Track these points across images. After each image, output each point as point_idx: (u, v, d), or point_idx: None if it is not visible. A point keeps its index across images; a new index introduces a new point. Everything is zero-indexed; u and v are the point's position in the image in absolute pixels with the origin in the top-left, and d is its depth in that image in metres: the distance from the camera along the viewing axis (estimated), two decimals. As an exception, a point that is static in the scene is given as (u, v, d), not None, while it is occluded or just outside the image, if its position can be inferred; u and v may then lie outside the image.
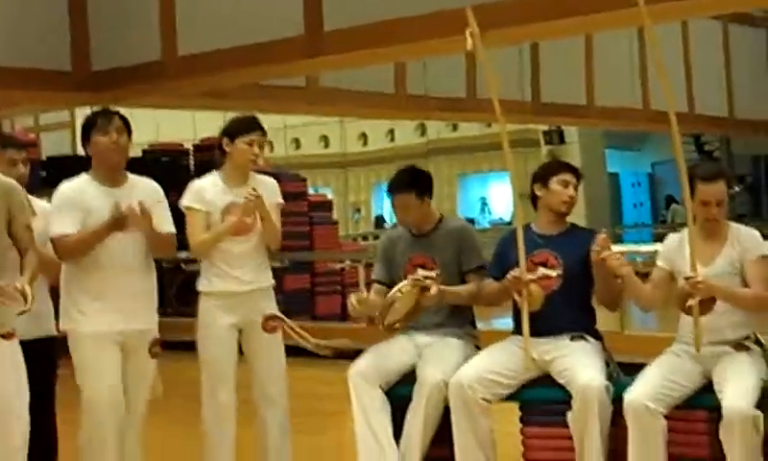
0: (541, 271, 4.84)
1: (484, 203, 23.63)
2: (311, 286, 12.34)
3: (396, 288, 4.95)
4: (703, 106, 15.00)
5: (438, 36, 6.95)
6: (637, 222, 23.40)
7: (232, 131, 5.21)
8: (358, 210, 24.05)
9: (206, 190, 5.20)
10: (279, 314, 5.27)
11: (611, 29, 8.62)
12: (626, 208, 24.17)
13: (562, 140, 19.28)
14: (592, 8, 5.66)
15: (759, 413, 4.15)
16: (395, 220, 5.48)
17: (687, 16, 11.94)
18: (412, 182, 5.20)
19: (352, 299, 5.02)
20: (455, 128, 21.47)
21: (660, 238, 17.43)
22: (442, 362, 4.91)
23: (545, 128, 19.04)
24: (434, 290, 4.91)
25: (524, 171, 21.22)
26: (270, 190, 5.27)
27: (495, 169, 21.89)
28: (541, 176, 5.01)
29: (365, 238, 19.59)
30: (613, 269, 4.60)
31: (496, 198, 23.49)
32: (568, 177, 4.97)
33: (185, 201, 5.20)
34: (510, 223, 21.03)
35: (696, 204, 4.50)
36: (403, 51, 8.28)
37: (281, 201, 5.35)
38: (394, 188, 5.23)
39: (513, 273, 4.71)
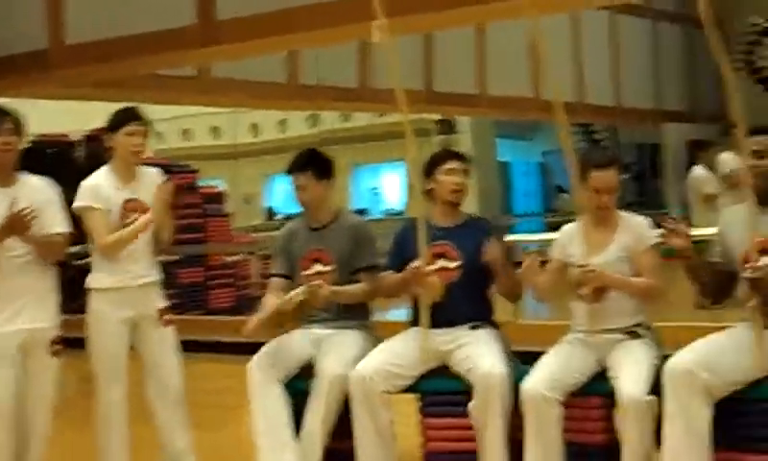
0: (441, 262, 4.85)
1: (376, 193, 23.67)
2: (204, 280, 12.23)
3: (289, 296, 4.94)
4: (592, 95, 15.26)
5: (334, 24, 6.92)
6: (528, 211, 23.68)
7: (112, 124, 5.15)
8: (248, 202, 23.84)
9: (101, 187, 5.10)
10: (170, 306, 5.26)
11: (510, 18, 8.67)
12: (517, 197, 24.43)
13: (453, 130, 19.41)
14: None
15: (653, 398, 4.22)
16: (288, 211, 5.44)
17: (575, 8, 12.14)
18: (311, 162, 5.20)
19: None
20: (347, 118, 21.45)
21: (551, 227, 17.74)
22: (340, 355, 4.89)
23: (437, 117, 19.16)
24: (325, 291, 4.91)
25: (418, 160, 21.35)
26: (161, 182, 5.21)
27: (387, 159, 21.94)
28: (428, 169, 5.01)
29: (256, 230, 19.44)
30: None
31: (389, 188, 23.54)
32: (454, 165, 4.98)
33: (82, 201, 5.10)
34: (402, 213, 21.13)
35: (589, 191, 4.55)
36: (298, 40, 8.21)
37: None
38: (293, 168, 5.20)
39: (413, 265, 4.71)
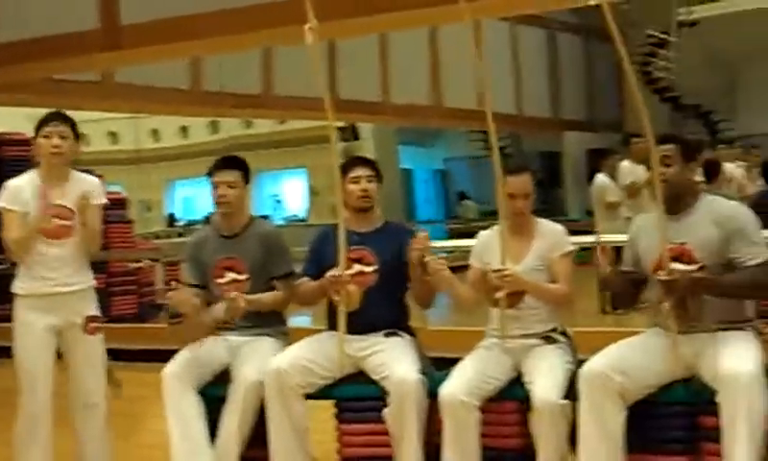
0: (357, 267, 4.84)
1: (278, 200, 23.60)
2: (106, 286, 12.03)
3: (212, 317, 4.94)
4: (493, 103, 15.43)
5: (237, 31, 6.87)
6: (429, 218, 23.85)
7: (35, 128, 5.07)
8: (149, 208, 23.57)
9: (22, 189, 5.02)
10: (100, 315, 5.16)
11: (446, 23, 8.73)
12: (419, 204, 24.59)
13: (356, 137, 19.47)
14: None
15: (567, 402, 4.28)
16: (189, 217, 5.39)
17: (511, 13, 12.20)
18: (240, 164, 5.20)
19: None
20: (249, 125, 21.37)
21: (453, 234, 17.87)
22: (257, 362, 4.85)
23: (340, 124, 19.19)
24: (241, 303, 4.89)
25: (320, 167, 21.28)
26: (92, 190, 5.11)
27: (289, 166, 21.91)
28: (340, 178, 4.99)
29: (157, 237, 19.22)
30: (434, 272, 4.63)
31: (290, 195, 23.50)
32: (359, 172, 4.98)
33: (0, 201, 5.00)
34: (305, 220, 21.10)
35: (504, 197, 4.59)
36: (201, 46, 8.15)
37: (104, 200, 5.24)
38: (225, 164, 5.18)
39: (331, 273, 4.70)
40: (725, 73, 20.05)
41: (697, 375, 4.22)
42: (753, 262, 4.20)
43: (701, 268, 4.21)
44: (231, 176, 5.13)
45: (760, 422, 3.91)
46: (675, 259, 4.20)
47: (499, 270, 4.44)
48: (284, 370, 4.69)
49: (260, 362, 4.84)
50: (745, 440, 3.88)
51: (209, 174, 5.18)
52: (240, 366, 4.87)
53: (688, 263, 4.22)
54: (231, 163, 5.20)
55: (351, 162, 5.08)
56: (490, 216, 16.65)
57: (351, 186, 4.96)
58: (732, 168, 11.20)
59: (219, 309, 4.94)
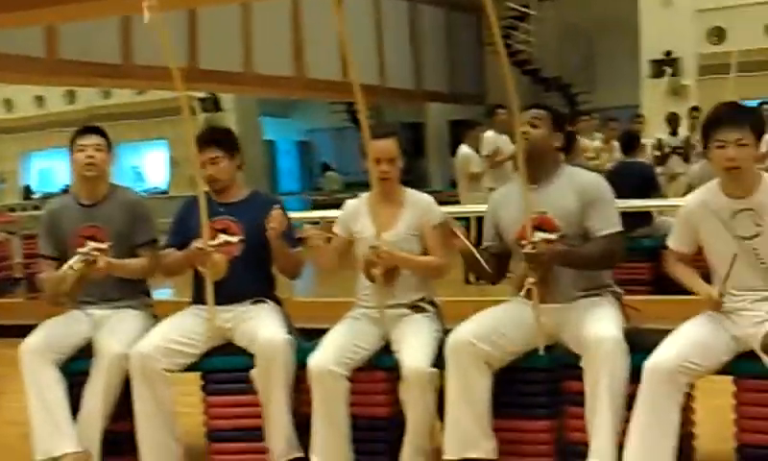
0: (222, 237, 4.78)
1: (138, 172, 23.19)
2: (-42, 261, 11.68)
3: (66, 265, 4.74)
4: (357, 74, 15.42)
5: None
6: (293, 189, 23.78)
7: None
8: (3, 180, 22.87)
9: None
10: None
11: None
12: (282, 175, 24.49)
13: (218, 108, 19.24)
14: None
15: (435, 370, 4.31)
16: (46, 189, 5.22)
17: None
18: (103, 132, 5.09)
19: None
20: (108, 95, 20.89)
21: (316, 206, 17.85)
22: (120, 334, 4.76)
23: (201, 95, 18.93)
24: (101, 263, 4.75)
25: (181, 138, 20.97)
26: None
27: (149, 137, 21.52)
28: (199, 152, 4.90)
29: (12, 210, 18.67)
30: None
31: (150, 166, 23.11)
32: (209, 153, 4.88)
33: None
34: (166, 192, 20.77)
35: (370, 163, 4.56)
36: (56, 13, 7.91)
37: None
38: (87, 131, 5.08)
39: (196, 243, 4.63)
40: (583, 47, 20.50)
41: (560, 341, 4.31)
42: (605, 233, 4.30)
43: (561, 236, 4.30)
44: (96, 139, 5.02)
45: (622, 385, 4.02)
46: (536, 228, 4.28)
47: (375, 246, 4.43)
48: (149, 354, 4.60)
49: (124, 335, 4.75)
50: (607, 403, 3.98)
51: (72, 141, 5.03)
52: (102, 339, 4.76)
53: (550, 232, 4.31)
54: (96, 130, 5.10)
55: (202, 140, 4.94)
56: (353, 187, 16.70)
57: (203, 169, 4.87)
58: (588, 140, 11.46)
59: (73, 261, 4.76)
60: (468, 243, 4.46)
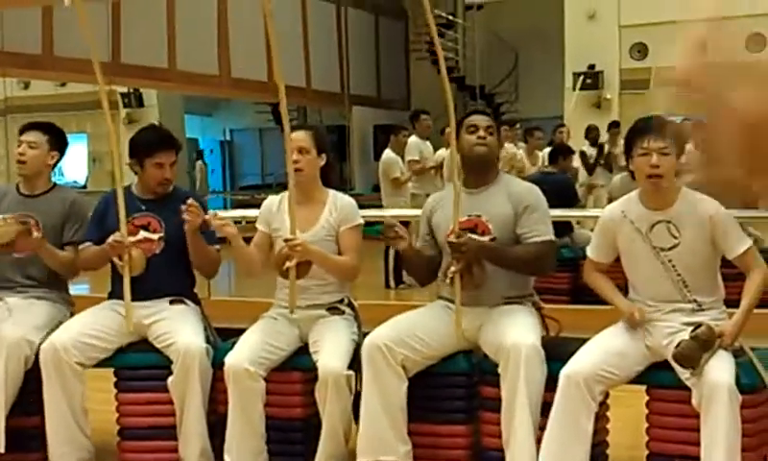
0: (143, 234, 4.72)
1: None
2: None
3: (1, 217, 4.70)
4: (283, 75, 15.34)
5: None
6: (215, 188, 23.61)
7: None
8: None
9: None
10: None
11: None
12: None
13: (141, 103, 19.01)
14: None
15: (351, 372, 4.31)
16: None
17: None
18: (48, 129, 5.07)
19: None
20: (26, 86, 20.51)
21: (237, 205, 17.72)
22: (23, 322, 4.69)
23: (124, 89, 18.69)
24: (36, 234, 4.69)
25: (101, 133, 20.61)
26: None
27: (69, 131, 21.11)
28: (136, 154, 4.81)
29: None
30: (218, 228, 4.58)
31: (70, 161, 22.73)
32: (163, 158, 4.80)
33: None
34: (85, 186, 20.46)
35: (287, 158, 4.51)
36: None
37: None
38: (29, 127, 5.05)
39: (114, 237, 4.56)
40: (508, 57, 20.67)
41: (478, 346, 4.33)
42: (536, 240, 4.34)
43: (492, 239, 4.34)
44: (33, 136, 4.98)
45: (539, 391, 4.04)
46: (469, 230, 4.32)
47: (289, 239, 4.41)
48: (63, 347, 4.52)
49: (26, 322, 4.68)
50: (525, 409, 4.00)
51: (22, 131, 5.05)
52: (2, 326, 4.67)
53: (482, 235, 4.36)
54: (38, 126, 5.05)
55: (155, 144, 4.84)
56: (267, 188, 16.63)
57: (154, 171, 4.79)
58: (512, 149, 11.54)
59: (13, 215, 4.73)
60: (409, 243, 4.50)
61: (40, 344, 4.58)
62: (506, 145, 10.86)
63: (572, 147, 10.71)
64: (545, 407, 4.00)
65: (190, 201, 4.58)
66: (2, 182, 4.98)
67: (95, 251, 4.80)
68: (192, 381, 4.47)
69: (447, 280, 4.33)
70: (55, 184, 5.14)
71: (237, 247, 4.61)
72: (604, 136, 13.32)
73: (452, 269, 4.28)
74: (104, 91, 4.69)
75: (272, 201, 4.81)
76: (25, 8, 11.79)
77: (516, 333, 4.10)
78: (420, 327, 4.33)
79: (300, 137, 4.64)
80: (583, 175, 12.39)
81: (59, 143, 5.07)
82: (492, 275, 4.32)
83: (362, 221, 4.70)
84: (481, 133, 4.43)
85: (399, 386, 4.24)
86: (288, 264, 4.40)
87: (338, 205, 4.69)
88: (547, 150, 11.12)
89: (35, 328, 4.64)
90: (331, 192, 4.75)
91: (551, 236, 4.42)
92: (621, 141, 12.54)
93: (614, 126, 13.35)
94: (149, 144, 4.83)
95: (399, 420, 4.25)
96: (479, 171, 4.44)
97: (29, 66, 13.06)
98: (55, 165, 5.12)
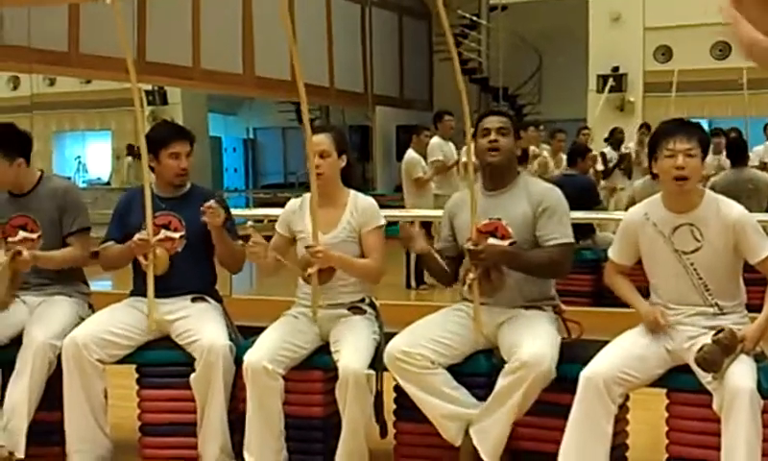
0: (164, 233, 4.74)
1: (80, 162, 22.90)
2: None
3: None
4: (306, 74, 15.34)
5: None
6: (237, 187, 23.66)
7: None
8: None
9: None
10: None
11: None
12: (226, 173, 24.35)
13: (165, 101, 19.07)
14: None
15: (372, 372, 4.31)
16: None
17: None
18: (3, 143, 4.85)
19: None
20: (52, 83, 20.61)
21: (258, 204, 17.75)
22: (47, 323, 4.70)
23: (147, 88, 18.75)
24: (26, 255, 4.68)
25: (125, 130, 20.66)
26: None
27: (93, 128, 21.28)
28: (153, 147, 4.82)
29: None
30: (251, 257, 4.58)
31: (93, 157, 22.85)
32: (179, 148, 4.83)
33: None
34: (108, 183, 20.55)
35: (309, 160, 4.52)
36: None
37: None
38: None
39: (139, 236, 4.58)
40: (532, 58, 20.62)
41: (497, 346, 4.33)
42: (554, 242, 4.33)
43: (512, 243, 4.33)
44: None
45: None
46: (490, 234, 4.31)
47: (310, 246, 4.41)
48: (83, 343, 4.54)
49: (52, 324, 4.70)
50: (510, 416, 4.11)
51: None
52: (31, 327, 4.70)
53: (502, 238, 4.34)
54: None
55: (169, 134, 4.89)
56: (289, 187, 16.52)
57: (170, 162, 4.81)
58: (536, 151, 11.52)
59: (1, 254, 4.72)
60: (428, 246, 4.49)
61: None
62: (531, 148, 10.85)
63: (591, 148, 10.66)
64: (564, 409, 4.00)
65: (207, 203, 4.59)
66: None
67: (118, 250, 4.81)
68: (215, 378, 4.48)
69: (466, 287, 4.35)
70: (41, 174, 5.01)
71: (262, 264, 4.63)
72: (628, 140, 13.26)
73: (471, 276, 4.28)
74: (135, 88, 4.70)
75: (294, 204, 4.80)
76: (53, 6, 11.86)
77: (532, 346, 4.08)
78: (437, 331, 4.33)
79: (320, 141, 4.62)
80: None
81: (9, 146, 4.85)
82: (510, 279, 4.32)
83: (384, 222, 4.68)
84: (493, 136, 4.40)
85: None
86: (310, 271, 4.41)
87: (359, 206, 4.67)
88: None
89: (59, 332, 4.65)
90: (352, 193, 4.74)
91: (570, 239, 4.40)
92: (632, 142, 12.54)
93: (644, 127, 13.28)
94: (163, 136, 4.86)
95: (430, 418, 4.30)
96: (496, 175, 4.43)
97: (55, 63, 13.13)
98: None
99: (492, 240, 4.32)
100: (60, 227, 4.93)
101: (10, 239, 4.83)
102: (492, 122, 4.45)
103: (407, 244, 4.56)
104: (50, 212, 4.91)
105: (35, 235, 4.86)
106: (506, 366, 4.12)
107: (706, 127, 10.62)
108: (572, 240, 4.42)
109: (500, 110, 4.68)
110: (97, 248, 4.94)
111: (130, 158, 20.24)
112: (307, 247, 4.43)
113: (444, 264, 4.55)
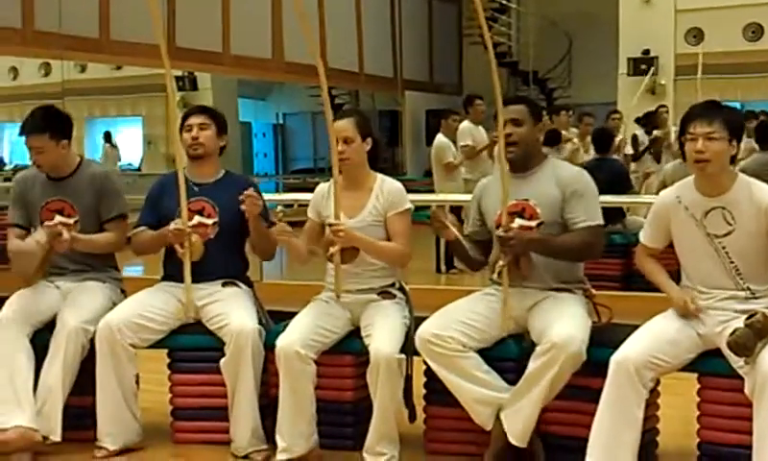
0: (198, 219, 4.77)
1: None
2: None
3: (31, 238, 4.73)
4: (335, 60, 15.35)
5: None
6: (267, 172, 23.72)
7: None
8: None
9: None
10: None
11: None
12: (256, 158, 24.41)
13: (195, 87, 19.13)
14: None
15: (402, 356, 4.32)
16: (20, 162, 5.12)
17: None
18: (47, 124, 4.88)
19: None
20: (83, 69, 20.71)
21: (288, 189, 17.79)
22: (80, 307, 4.74)
23: (178, 73, 18.81)
24: (66, 236, 4.71)
25: (156, 116, 20.75)
26: None
27: (124, 114, 21.40)
28: (180, 127, 4.91)
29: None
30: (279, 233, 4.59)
31: (124, 143, 22.96)
32: (191, 120, 4.90)
33: None
34: (139, 169, 20.66)
35: (332, 145, 4.53)
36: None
37: None
38: (27, 129, 4.89)
39: (174, 225, 4.61)
40: (561, 42, 20.52)
41: (527, 330, 4.33)
42: (584, 225, 4.32)
43: (540, 224, 4.33)
44: (34, 141, 4.86)
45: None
46: (517, 215, 4.32)
47: (333, 224, 4.42)
48: (117, 328, 4.59)
49: (85, 309, 4.73)
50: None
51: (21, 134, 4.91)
52: (64, 311, 4.73)
53: (530, 219, 4.34)
54: (32, 129, 4.88)
55: (187, 112, 5.00)
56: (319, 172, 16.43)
57: (185, 135, 4.89)
58: (567, 135, 11.48)
59: (41, 233, 4.76)
60: (456, 231, 4.48)
61: None
62: (563, 133, 10.80)
63: (614, 132, 10.58)
64: (595, 394, 3.99)
65: (248, 191, 4.62)
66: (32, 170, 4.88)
67: (151, 236, 4.85)
68: (245, 362, 4.51)
69: (495, 275, 4.35)
70: (81, 159, 5.05)
71: (291, 247, 4.67)
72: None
73: (500, 263, 4.28)
74: (169, 74, 4.70)
75: (322, 188, 4.82)
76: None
77: (564, 329, 4.09)
78: (468, 314, 4.34)
79: (343, 127, 4.63)
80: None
81: (57, 127, 4.90)
82: (539, 263, 4.32)
83: (410, 206, 4.68)
84: (507, 128, 4.38)
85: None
86: (332, 249, 4.42)
87: (385, 190, 4.67)
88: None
89: (92, 317, 4.69)
90: (379, 177, 4.73)
91: (599, 220, 4.39)
92: (670, 124, 12.44)
93: (662, 108, 13.19)
94: (184, 115, 4.96)
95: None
96: (518, 165, 4.41)
97: (86, 49, 13.18)
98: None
99: (519, 221, 4.32)
100: (96, 213, 4.96)
101: (46, 223, 4.86)
102: (505, 113, 4.42)
103: (437, 230, 4.55)
104: (88, 198, 4.94)
105: (71, 220, 4.88)
106: (537, 348, 4.12)
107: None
108: (602, 222, 4.41)
109: (515, 98, 4.66)
110: (130, 233, 4.98)
111: (108, 145, 20.44)
112: (329, 225, 4.45)
113: (472, 251, 4.55)
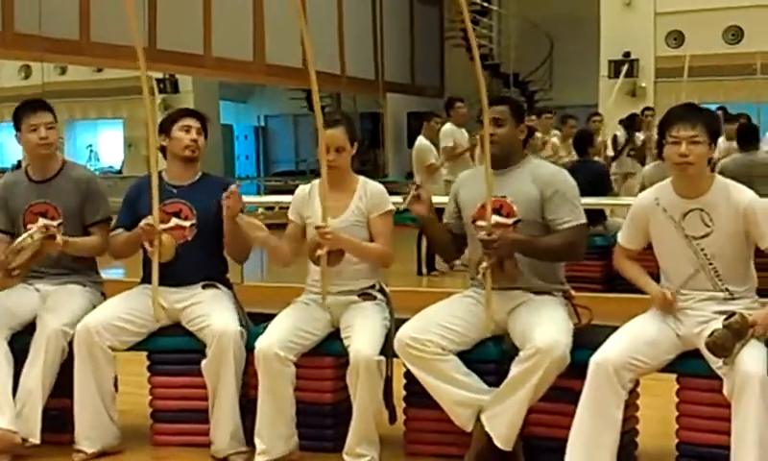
0: (174, 221, 4.75)
1: (92, 150, 22.94)
2: None
3: (26, 234, 4.68)
4: (317, 62, 15.31)
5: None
6: (248, 174, 23.69)
7: None
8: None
9: None
10: None
11: None
12: (238, 160, 24.38)
13: (176, 89, 19.09)
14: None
15: (382, 358, 4.33)
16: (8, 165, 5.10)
17: None
18: (50, 106, 4.96)
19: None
20: (63, 71, 20.63)
21: (270, 191, 17.77)
22: (61, 311, 4.72)
23: (159, 76, 18.76)
24: (59, 239, 4.69)
25: (137, 118, 20.66)
26: None
27: (105, 116, 21.33)
28: (164, 126, 4.90)
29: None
30: (246, 229, 4.60)
31: (105, 146, 22.90)
32: (190, 121, 4.88)
33: None
34: (120, 172, 20.59)
35: (321, 150, 4.54)
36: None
37: None
38: (35, 106, 4.95)
39: (146, 221, 4.59)
40: (543, 44, 20.57)
41: (507, 333, 4.34)
42: (567, 226, 4.33)
43: (517, 221, 4.35)
44: (48, 117, 4.91)
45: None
46: (494, 211, 4.32)
47: (319, 227, 4.42)
48: (96, 330, 4.58)
49: (65, 312, 4.71)
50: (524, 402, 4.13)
51: (18, 118, 4.91)
52: (44, 314, 4.71)
53: (507, 216, 4.35)
54: (44, 105, 4.97)
55: (179, 112, 4.98)
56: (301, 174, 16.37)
57: (181, 134, 4.85)
58: (545, 138, 11.51)
59: (28, 235, 4.69)
60: (432, 213, 4.52)
61: None
62: (537, 134, 10.82)
63: (594, 135, 10.63)
64: (575, 395, 4.00)
65: (230, 188, 4.62)
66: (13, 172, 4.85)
67: (127, 237, 4.83)
68: (226, 364, 4.50)
69: (480, 276, 4.35)
70: (64, 162, 5.02)
71: (269, 247, 4.70)
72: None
73: (484, 265, 4.28)
74: (145, 77, 4.70)
75: (303, 190, 4.82)
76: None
77: (545, 334, 4.09)
78: (447, 317, 4.35)
79: (336, 136, 4.62)
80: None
81: (56, 119, 4.98)
82: (522, 264, 4.32)
83: (393, 207, 4.70)
84: (489, 129, 4.40)
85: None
86: (319, 252, 4.42)
87: (368, 191, 4.68)
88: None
89: (72, 320, 4.66)
90: (361, 179, 4.75)
91: (583, 220, 4.40)
92: (654, 128, 12.48)
93: (648, 110, 13.23)
94: (175, 114, 4.96)
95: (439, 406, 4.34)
96: (498, 160, 4.41)
97: (66, 52, 13.13)
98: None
99: (495, 218, 4.33)
100: (80, 216, 4.93)
101: (29, 226, 4.81)
102: (493, 111, 4.46)
103: (412, 205, 4.52)
104: (71, 201, 4.92)
105: (55, 223, 4.85)
106: (520, 353, 4.12)
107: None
108: (585, 221, 4.43)
109: (498, 98, 4.69)
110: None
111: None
112: (317, 227, 4.44)
113: (448, 236, 4.59)
